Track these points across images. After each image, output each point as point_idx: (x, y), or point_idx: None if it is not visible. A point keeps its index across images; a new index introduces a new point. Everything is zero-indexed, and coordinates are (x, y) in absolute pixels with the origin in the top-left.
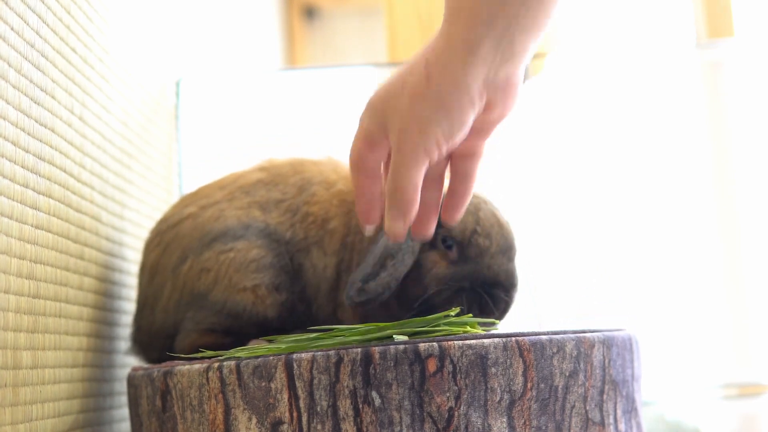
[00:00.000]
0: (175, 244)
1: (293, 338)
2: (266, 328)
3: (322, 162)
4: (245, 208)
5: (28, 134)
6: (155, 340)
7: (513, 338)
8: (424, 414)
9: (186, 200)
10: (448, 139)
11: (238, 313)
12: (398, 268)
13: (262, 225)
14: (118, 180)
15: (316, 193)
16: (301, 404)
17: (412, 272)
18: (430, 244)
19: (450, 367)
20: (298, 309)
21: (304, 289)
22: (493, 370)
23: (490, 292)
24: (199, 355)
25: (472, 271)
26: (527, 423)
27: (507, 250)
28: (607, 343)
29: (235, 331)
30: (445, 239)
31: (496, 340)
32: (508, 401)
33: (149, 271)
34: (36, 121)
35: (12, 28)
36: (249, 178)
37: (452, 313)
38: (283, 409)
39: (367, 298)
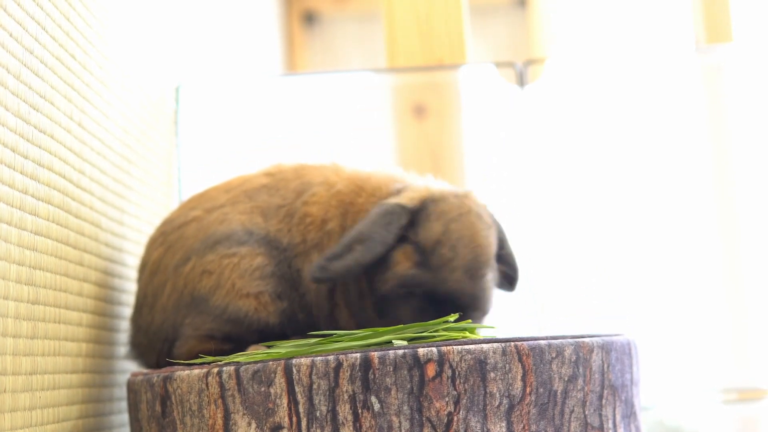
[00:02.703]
0: (178, 245)
1: (292, 344)
2: (267, 335)
3: (326, 166)
4: (248, 213)
5: (28, 141)
6: (153, 341)
7: (512, 343)
8: (423, 419)
9: (192, 202)
10: None
11: (239, 318)
12: (364, 254)
13: (263, 232)
14: (117, 186)
15: (317, 193)
16: (301, 409)
17: (381, 265)
18: (406, 244)
19: (449, 372)
20: (299, 317)
21: (304, 296)
22: (492, 374)
23: (440, 307)
24: (199, 360)
25: (429, 280)
26: (526, 427)
27: (473, 268)
28: (606, 348)
29: (234, 337)
30: (415, 243)
31: (495, 344)
32: (507, 406)
33: (150, 269)
34: (35, 128)
35: (11, 35)
36: (254, 182)
37: (451, 319)
38: (282, 414)
39: (326, 276)
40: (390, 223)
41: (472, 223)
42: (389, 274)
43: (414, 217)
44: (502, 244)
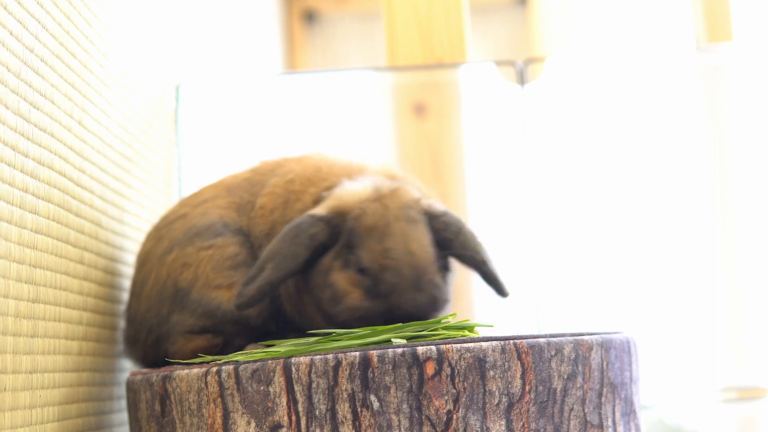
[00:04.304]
0: (166, 237)
1: (292, 342)
2: (247, 327)
3: (305, 157)
4: (225, 207)
5: (28, 139)
6: (139, 332)
7: (511, 341)
8: (423, 417)
9: (185, 200)
10: None
11: (212, 310)
12: (273, 272)
13: (237, 225)
14: (117, 184)
15: (273, 184)
16: (300, 408)
17: (326, 290)
18: (344, 264)
19: (448, 370)
20: (274, 307)
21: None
22: (492, 372)
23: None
24: (198, 359)
25: (385, 309)
26: (526, 426)
27: (416, 281)
28: (606, 346)
29: (211, 330)
30: (357, 264)
31: (494, 342)
32: (506, 404)
33: (141, 260)
34: (35, 126)
35: (11, 33)
36: (237, 177)
37: (450, 318)
38: (281, 413)
39: (243, 302)
40: (297, 236)
41: (404, 234)
42: (342, 305)
43: (347, 234)
44: (446, 232)
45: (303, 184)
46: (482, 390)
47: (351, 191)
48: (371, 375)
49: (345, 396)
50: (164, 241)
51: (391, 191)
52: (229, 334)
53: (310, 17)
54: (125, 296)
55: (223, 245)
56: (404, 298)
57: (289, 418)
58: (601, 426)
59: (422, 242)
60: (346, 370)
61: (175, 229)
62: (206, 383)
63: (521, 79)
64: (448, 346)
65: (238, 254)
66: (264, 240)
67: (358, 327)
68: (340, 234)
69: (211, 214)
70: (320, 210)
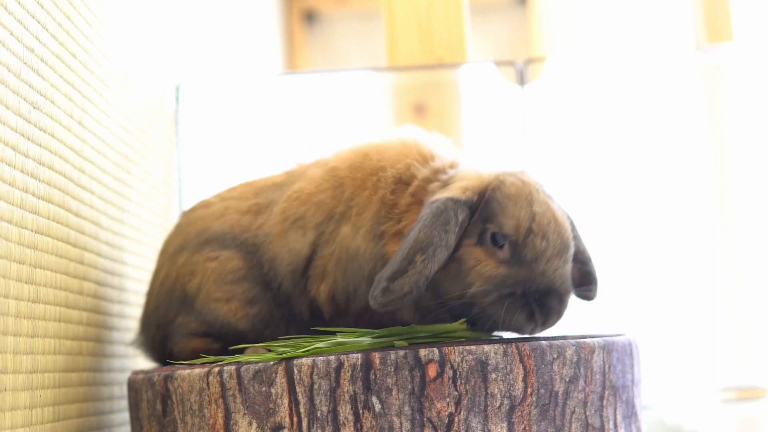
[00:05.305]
0: (181, 229)
1: (294, 341)
2: (242, 340)
3: (339, 153)
4: (243, 213)
5: (28, 139)
6: (149, 323)
7: (513, 344)
8: (424, 419)
9: (222, 193)
10: None
11: (212, 321)
12: (427, 265)
13: (245, 235)
14: (117, 184)
15: (309, 173)
16: (302, 409)
17: (451, 268)
18: (478, 240)
19: (450, 373)
20: (275, 316)
21: (280, 288)
22: (494, 375)
23: (542, 300)
24: (200, 360)
25: (526, 276)
26: (527, 428)
27: (563, 251)
28: (608, 349)
29: (212, 335)
30: (495, 236)
31: (497, 345)
32: (508, 407)
33: (162, 247)
34: (36, 126)
35: (12, 33)
36: (270, 180)
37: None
38: (283, 414)
39: (392, 299)
40: (447, 222)
41: (547, 203)
42: (472, 275)
43: (482, 208)
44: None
45: (356, 169)
46: (484, 392)
47: (477, 171)
48: (373, 377)
49: (347, 397)
50: (178, 236)
51: (518, 171)
52: (228, 342)
53: (310, 17)
54: (125, 296)
55: (227, 259)
56: (551, 266)
57: (291, 419)
58: (602, 428)
59: (564, 215)
60: (348, 371)
61: (191, 222)
62: (208, 383)
63: (521, 79)
64: (450, 348)
65: (240, 268)
66: (291, 226)
67: (490, 304)
68: (474, 213)
69: (227, 219)
70: (457, 193)
